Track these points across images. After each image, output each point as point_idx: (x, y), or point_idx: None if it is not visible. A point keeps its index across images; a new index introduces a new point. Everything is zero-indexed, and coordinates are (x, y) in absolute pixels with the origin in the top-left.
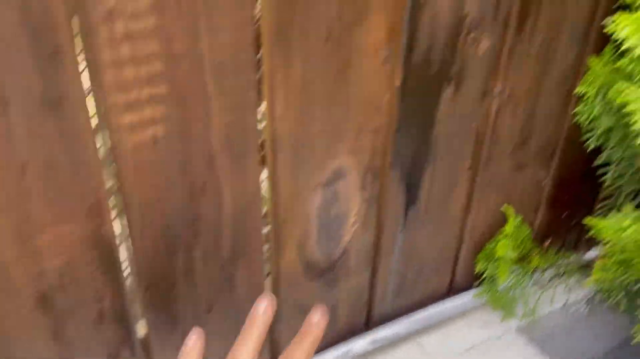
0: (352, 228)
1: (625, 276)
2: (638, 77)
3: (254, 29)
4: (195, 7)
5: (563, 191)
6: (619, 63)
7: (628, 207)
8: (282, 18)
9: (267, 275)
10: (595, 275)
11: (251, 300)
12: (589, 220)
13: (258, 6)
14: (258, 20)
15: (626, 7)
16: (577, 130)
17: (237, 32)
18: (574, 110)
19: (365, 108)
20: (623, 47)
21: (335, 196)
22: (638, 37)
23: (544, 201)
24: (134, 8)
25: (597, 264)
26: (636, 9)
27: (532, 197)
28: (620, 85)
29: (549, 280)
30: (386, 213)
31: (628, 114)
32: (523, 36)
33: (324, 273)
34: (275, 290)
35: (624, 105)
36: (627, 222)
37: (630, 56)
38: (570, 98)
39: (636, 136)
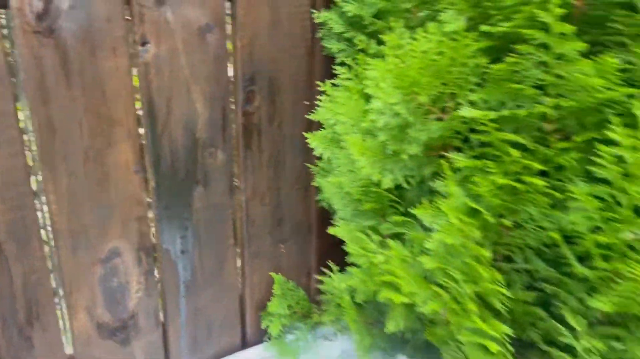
0: (136, 295)
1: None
2: (333, 173)
3: (24, 157)
4: None
5: (329, 259)
6: (320, 165)
7: (335, 268)
8: (46, 147)
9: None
10: (322, 318)
11: (51, 357)
12: (320, 278)
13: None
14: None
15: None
16: (327, 211)
17: (11, 159)
18: (317, 198)
19: (127, 204)
20: (316, 153)
21: (115, 271)
22: (323, 147)
23: (313, 268)
24: None
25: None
26: (322, 128)
27: (301, 265)
28: (322, 181)
29: (333, 333)
30: (166, 283)
31: None
32: (252, 151)
33: (116, 332)
34: (74, 348)
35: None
36: (334, 277)
37: (323, 160)
38: (311, 189)
39: None
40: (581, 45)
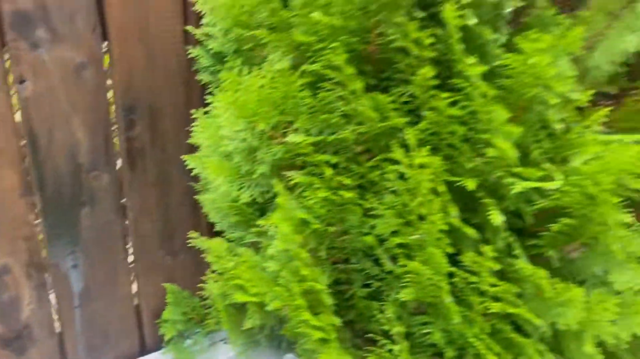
0: (28, 307)
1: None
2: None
3: None
4: None
5: None
6: (201, 183)
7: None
8: None
9: None
10: (209, 322)
11: None
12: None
13: None
14: None
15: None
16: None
17: None
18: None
19: (14, 224)
20: (194, 174)
21: (5, 286)
22: (199, 167)
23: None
24: None
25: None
26: (199, 150)
27: (195, 274)
28: (202, 198)
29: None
30: (59, 295)
31: None
32: (137, 172)
33: (11, 342)
34: None
35: None
36: (209, 283)
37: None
38: (200, 206)
39: None
40: (360, 84)
